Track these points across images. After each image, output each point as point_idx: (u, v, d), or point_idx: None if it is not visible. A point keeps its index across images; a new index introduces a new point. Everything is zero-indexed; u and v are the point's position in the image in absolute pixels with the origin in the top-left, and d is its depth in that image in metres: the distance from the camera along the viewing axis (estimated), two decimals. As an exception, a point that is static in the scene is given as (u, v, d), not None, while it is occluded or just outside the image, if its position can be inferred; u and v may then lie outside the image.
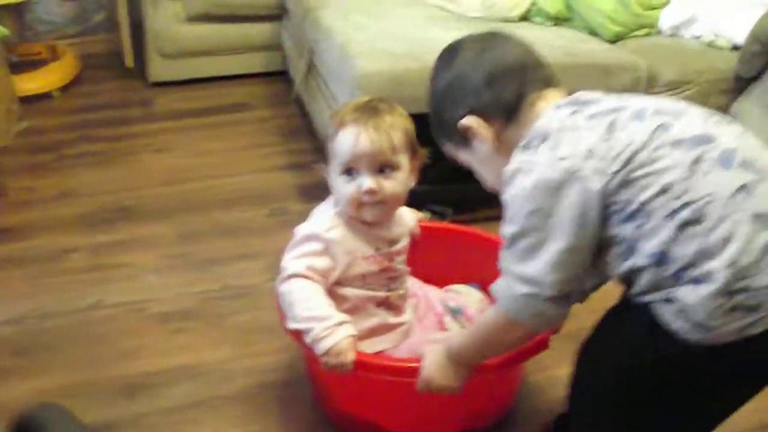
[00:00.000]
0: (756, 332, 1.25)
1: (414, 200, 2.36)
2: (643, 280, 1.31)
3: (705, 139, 1.30)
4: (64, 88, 4.11)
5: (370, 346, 1.84)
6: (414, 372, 1.66)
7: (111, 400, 2.07)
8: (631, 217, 1.29)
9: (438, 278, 2.15)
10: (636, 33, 3.27)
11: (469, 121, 1.48)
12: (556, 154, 1.33)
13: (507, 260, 1.38)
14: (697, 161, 1.27)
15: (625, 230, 1.31)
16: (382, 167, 1.75)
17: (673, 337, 1.29)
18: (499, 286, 1.41)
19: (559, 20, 3.27)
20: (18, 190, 3.18)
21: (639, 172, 1.28)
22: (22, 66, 4.22)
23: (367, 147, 1.72)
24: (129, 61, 4.35)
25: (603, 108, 1.38)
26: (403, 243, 1.92)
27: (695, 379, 1.34)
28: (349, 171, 1.75)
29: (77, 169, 3.31)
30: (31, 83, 4.08)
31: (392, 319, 1.91)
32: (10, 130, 3.68)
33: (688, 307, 1.25)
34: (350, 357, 1.65)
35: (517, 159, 1.38)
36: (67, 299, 2.48)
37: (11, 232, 2.87)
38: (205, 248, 2.75)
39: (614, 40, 3.20)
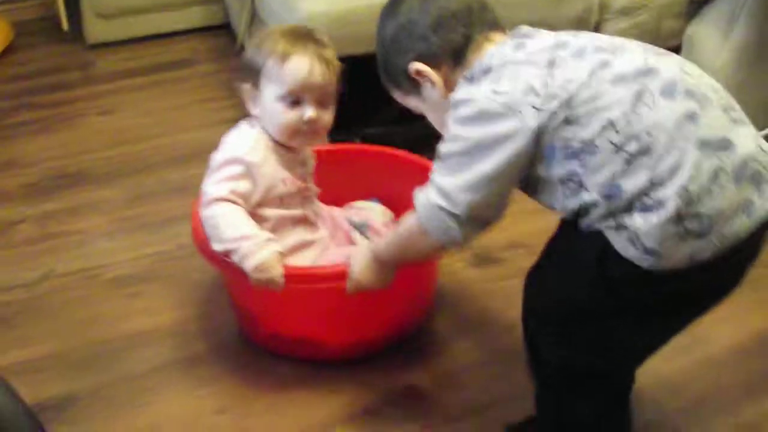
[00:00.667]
0: (705, 257, 1.29)
1: (368, 141, 2.37)
2: (594, 214, 1.34)
3: (646, 72, 1.33)
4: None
5: (293, 262, 1.87)
6: (343, 275, 1.73)
7: (71, 372, 2.00)
8: (575, 154, 1.33)
9: (340, 198, 2.19)
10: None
11: (417, 66, 1.51)
12: (496, 89, 1.37)
13: (434, 172, 1.43)
14: (639, 94, 1.30)
15: (571, 167, 1.34)
16: (323, 100, 1.84)
17: (623, 263, 1.32)
18: (419, 192, 1.47)
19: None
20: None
21: (581, 110, 1.31)
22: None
23: (318, 80, 1.81)
24: (64, 24, 4.23)
25: (544, 45, 1.41)
26: (312, 164, 2.03)
27: (644, 303, 1.39)
28: (294, 99, 1.81)
29: (18, 138, 3.19)
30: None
31: (310, 236, 1.98)
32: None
33: (640, 234, 1.28)
34: (278, 271, 1.73)
35: (462, 90, 1.43)
36: (17, 271, 2.39)
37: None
38: (156, 209, 2.66)
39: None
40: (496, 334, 2.05)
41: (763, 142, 1.35)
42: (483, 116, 1.36)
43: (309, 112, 1.82)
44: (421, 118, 1.66)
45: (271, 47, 1.82)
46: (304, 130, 1.85)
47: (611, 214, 1.31)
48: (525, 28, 1.48)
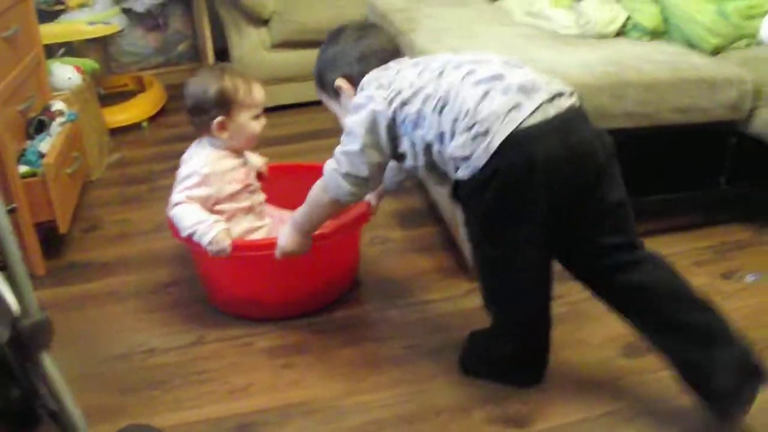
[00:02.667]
0: (495, 146, 1.79)
1: None
2: (445, 161, 1.91)
3: (497, 77, 1.86)
4: (153, 119, 4.14)
5: None
6: (272, 245, 2.29)
7: (224, 439, 2.03)
8: (417, 125, 1.93)
9: (293, 206, 2.41)
10: (736, 45, 3.16)
11: (341, 82, 2.13)
12: (367, 90, 2.00)
13: (338, 147, 2.02)
14: (487, 93, 1.83)
15: (416, 136, 1.94)
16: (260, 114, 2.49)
17: (465, 185, 1.90)
18: (328, 162, 2.05)
19: (656, 34, 3.18)
20: (113, 223, 3.19)
21: (418, 97, 1.91)
22: (110, 98, 4.26)
23: (264, 98, 2.48)
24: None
25: (428, 60, 2.02)
26: (251, 163, 2.60)
27: (494, 202, 1.86)
28: (258, 115, 2.45)
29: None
30: (120, 115, 4.12)
31: (258, 223, 2.58)
32: (102, 162, 3.71)
33: (455, 156, 1.86)
34: (227, 243, 2.31)
35: (356, 97, 2.04)
36: (171, 334, 2.46)
37: (110, 266, 2.87)
38: (307, 279, 2.69)
39: (714, 52, 3.09)
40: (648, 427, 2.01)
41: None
42: (357, 107, 1.99)
43: (263, 121, 2.49)
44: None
45: (234, 84, 2.40)
46: (258, 135, 2.48)
47: (445, 160, 1.91)
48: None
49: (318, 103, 4.13)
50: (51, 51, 3.88)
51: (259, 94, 2.45)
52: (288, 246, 2.26)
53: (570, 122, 1.85)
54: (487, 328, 2.16)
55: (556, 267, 2.02)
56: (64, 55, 3.99)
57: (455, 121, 1.84)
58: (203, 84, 2.41)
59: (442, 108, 1.87)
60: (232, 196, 2.48)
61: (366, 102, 1.97)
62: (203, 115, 2.41)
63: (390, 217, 3.08)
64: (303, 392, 2.17)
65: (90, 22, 4.10)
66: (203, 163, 2.42)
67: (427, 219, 3.03)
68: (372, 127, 1.95)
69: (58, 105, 3.19)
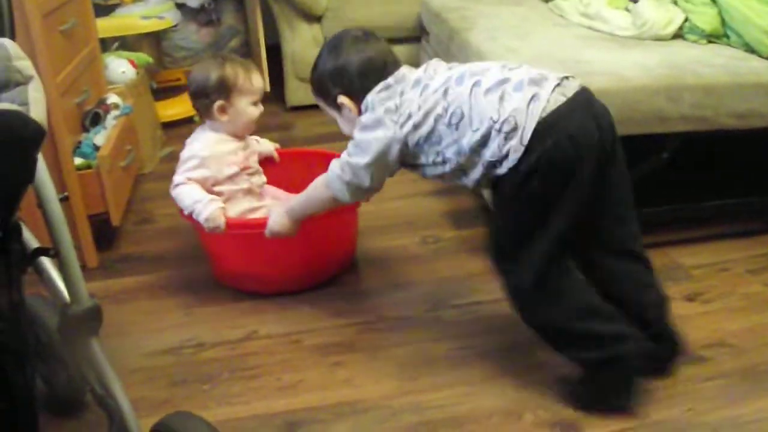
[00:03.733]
0: (528, 136, 1.85)
1: None
2: (472, 168, 1.98)
3: (504, 81, 1.92)
4: (204, 114, 4.14)
5: None
6: (263, 225, 2.41)
7: (273, 435, 2.04)
8: (433, 142, 2.00)
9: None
10: (795, 49, 3.12)
11: (343, 99, 2.14)
12: (375, 113, 2.04)
13: (345, 153, 2.11)
14: (502, 96, 1.89)
15: (432, 152, 2.02)
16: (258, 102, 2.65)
17: (504, 180, 1.93)
18: (333, 161, 2.15)
19: (713, 38, 3.13)
20: (166, 216, 3.20)
21: (429, 118, 1.98)
22: (163, 92, 4.29)
23: (261, 85, 2.65)
24: (266, 85, 4.36)
25: (428, 78, 2.06)
26: (252, 148, 2.74)
27: (542, 186, 1.89)
28: (256, 101, 2.60)
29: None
30: (172, 109, 4.14)
31: (256, 203, 2.70)
32: (155, 156, 3.73)
33: (492, 160, 1.91)
34: (221, 220, 2.46)
35: (363, 116, 2.08)
36: (222, 329, 2.47)
37: (162, 259, 2.89)
38: (357, 278, 2.71)
39: (773, 56, 3.05)
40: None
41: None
42: (366, 126, 2.05)
43: (261, 107, 2.64)
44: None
45: (234, 71, 2.55)
46: (256, 120, 2.65)
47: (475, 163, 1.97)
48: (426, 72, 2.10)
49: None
50: (105, 45, 3.90)
51: (257, 81, 2.61)
52: (277, 228, 2.38)
53: (587, 97, 1.94)
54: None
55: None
56: (118, 49, 4.02)
57: (476, 131, 1.91)
58: (206, 70, 2.58)
59: (458, 123, 1.94)
60: (231, 178, 2.62)
61: (375, 125, 2.04)
62: (205, 99, 2.58)
63: (442, 218, 3.07)
64: (354, 391, 2.17)
65: (144, 17, 4.12)
66: (202, 147, 2.58)
67: (479, 220, 3.01)
68: (383, 150, 2.04)
69: (113, 98, 3.21)
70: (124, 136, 3.09)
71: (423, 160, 2.05)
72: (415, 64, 4.07)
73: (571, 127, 1.86)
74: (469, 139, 1.92)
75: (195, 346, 2.39)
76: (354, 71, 2.10)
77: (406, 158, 2.07)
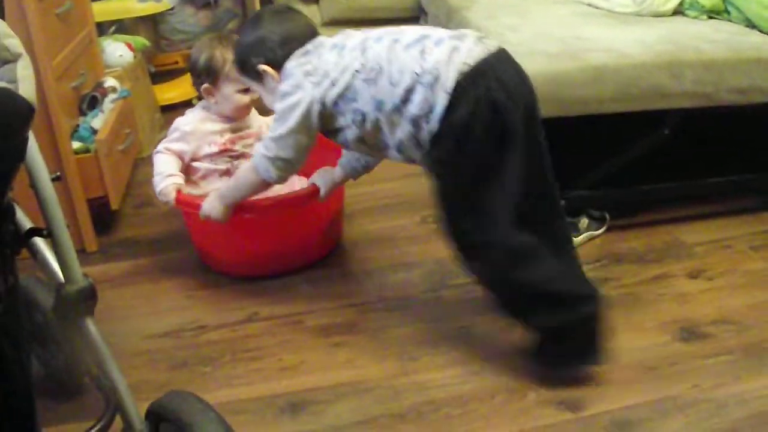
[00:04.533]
0: (452, 84, 1.88)
1: (572, 205, 2.61)
2: (395, 128, 2.01)
3: (424, 37, 1.97)
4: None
5: None
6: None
7: (275, 417, 2.02)
8: (350, 99, 2.02)
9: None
10: (796, 24, 3.10)
11: (264, 67, 2.15)
12: (294, 78, 2.06)
13: (269, 133, 2.14)
14: (423, 50, 1.93)
15: (350, 109, 2.03)
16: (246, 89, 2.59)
17: (443, 134, 1.94)
18: (257, 144, 2.24)
19: (714, 13, 3.11)
20: (165, 200, 3.18)
21: (346, 73, 1.99)
22: (160, 76, 4.27)
23: None
24: (264, 67, 4.35)
25: (345, 40, 2.08)
26: (246, 132, 2.71)
27: (485, 138, 1.91)
28: (245, 89, 2.55)
29: (222, 178, 3.27)
30: (170, 92, 4.12)
31: None
32: (154, 139, 3.70)
33: (420, 114, 1.94)
34: (172, 196, 2.52)
35: (282, 85, 2.10)
36: (222, 311, 2.46)
37: (162, 242, 2.87)
38: (358, 258, 2.70)
39: (773, 32, 3.03)
40: (706, 412, 1.98)
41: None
42: (285, 94, 2.06)
43: (252, 95, 2.57)
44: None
45: (223, 57, 2.55)
46: (248, 106, 2.65)
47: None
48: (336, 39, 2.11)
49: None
50: (102, 28, 3.88)
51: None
52: (208, 211, 2.42)
53: (509, 56, 2.00)
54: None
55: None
56: (115, 32, 4.00)
57: (396, 85, 1.94)
58: (199, 51, 2.62)
59: (376, 78, 1.96)
60: (209, 156, 2.66)
61: (293, 90, 2.05)
62: (195, 78, 2.64)
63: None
64: (356, 371, 2.16)
65: (140, 0, 4.11)
66: (187, 122, 2.66)
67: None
68: (304, 113, 2.05)
69: (110, 82, 3.19)
70: (122, 119, 3.07)
71: (342, 121, 2.07)
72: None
73: (501, 74, 1.91)
74: (389, 94, 1.95)
75: (196, 329, 2.38)
76: (275, 41, 2.12)
77: (327, 122, 2.09)
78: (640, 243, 2.65)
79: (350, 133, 2.08)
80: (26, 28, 2.43)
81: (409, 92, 1.92)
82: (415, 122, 1.95)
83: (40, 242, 1.52)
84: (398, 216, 2.94)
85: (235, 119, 2.68)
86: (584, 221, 2.63)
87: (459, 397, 2.04)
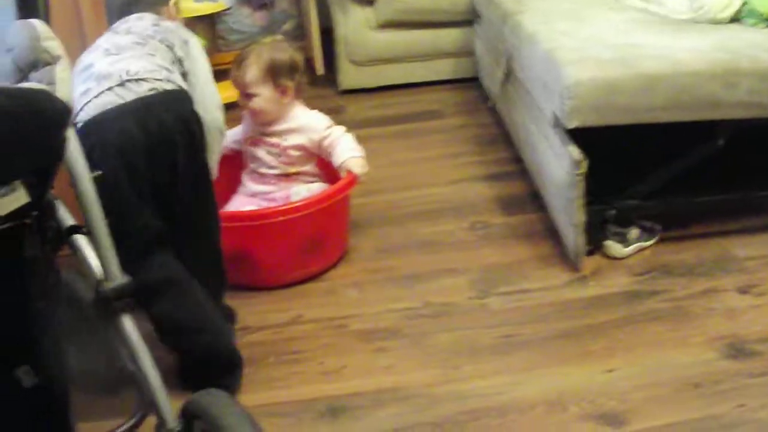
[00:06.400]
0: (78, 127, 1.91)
1: (622, 215, 2.55)
2: None
3: (89, 67, 2.02)
4: (257, 96, 4.14)
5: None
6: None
7: (313, 421, 2.03)
8: None
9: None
10: None
11: None
12: None
13: None
14: (80, 81, 1.99)
15: None
16: (248, 94, 2.66)
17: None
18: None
19: (773, 21, 3.06)
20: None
21: None
22: (217, 75, 4.25)
23: (250, 80, 2.66)
24: (319, 68, 4.37)
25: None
26: (278, 138, 2.71)
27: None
28: (246, 94, 2.67)
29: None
30: (226, 91, 4.11)
31: (254, 187, 2.76)
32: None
33: None
34: None
35: None
36: (266, 312, 2.46)
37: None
38: (404, 263, 2.68)
39: (834, 42, 2.97)
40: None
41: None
42: None
43: (250, 101, 2.66)
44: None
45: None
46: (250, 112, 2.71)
47: None
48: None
49: (424, 84, 4.18)
50: (160, 27, 3.92)
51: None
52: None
53: (148, 102, 1.96)
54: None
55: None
56: (172, 31, 4.03)
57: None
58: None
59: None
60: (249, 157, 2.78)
61: None
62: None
63: (491, 203, 3.03)
64: (396, 377, 2.15)
65: (198, 0, 4.14)
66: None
67: (529, 206, 2.96)
68: None
69: (164, 81, 3.21)
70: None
71: None
72: (468, 48, 4.06)
73: (111, 132, 1.91)
74: None
75: (240, 330, 2.38)
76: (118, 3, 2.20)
77: None
78: (690, 255, 2.60)
79: None
80: (81, 29, 2.46)
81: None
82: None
83: (81, 239, 1.53)
84: (446, 221, 2.91)
85: (257, 122, 2.75)
86: (634, 232, 2.59)
87: (499, 408, 2.02)
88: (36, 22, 1.37)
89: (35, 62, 1.32)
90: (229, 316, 2.35)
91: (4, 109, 1.11)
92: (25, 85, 1.25)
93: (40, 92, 1.20)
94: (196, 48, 2.26)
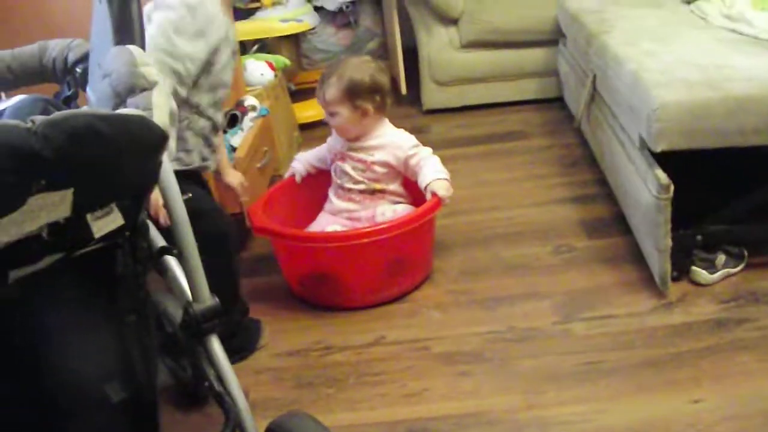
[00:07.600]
0: None
1: (709, 241, 2.50)
2: None
3: None
4: (341, 115, 4.18)
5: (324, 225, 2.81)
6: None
7: (397, 444, 2.03)
8: None
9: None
10: None
11: None
12: None
13: None
14: None
15: None
16: (330, 112, 2.73)
17: None
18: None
19: None
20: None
21: None
22: (301, 94, 4.34)
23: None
24: (403, 88, 4.38)
25: None
26: (364, 153, 2.75)
27: None
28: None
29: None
30: (310, 110, 4.19)
31: (339, 204, 2.80)
32: (292, 156, 3.76)
33: None
34: (287, 174, 2.97)
35: None
36: (349, 333, 2.48)
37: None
38: (488, 285, 2.67)
39: None
40: None
41: None
42: None
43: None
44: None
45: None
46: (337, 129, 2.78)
47: None
48: None
49: (508, 104, 4.17)
50: (245, 47, 3.98)
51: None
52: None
53: None
54: None
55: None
56: (257, 51, 4.09)
57: None
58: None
59: None
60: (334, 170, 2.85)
61: None
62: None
63: (576, 226, 3.01)
64: (479, 402, 2.14)
65: (283, 20, 4.18)
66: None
67: (614, 229, 2.93)
68: None
69: (250, 100, 3.26)
70: (260, 137, 3.14)
71: None
72: (553, 68, 4.04)
73: None
74: None
75: (322, 349, 2.41)
76: None
77: None
78: (780, 282, 2.55)
79: None
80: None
81: None
82: None
83: (171, 260, 1.56)
84: (530, 244, 2.90)
85: (347, 138, 2.78)
86: (721, 258, 2.54)
87: (582, 436, 2.00)
88: (133, 48, 1.40)
89: (132, 87, 1.35)
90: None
91: (103, 135, 1.13)
92: (122, 110, 1.28)
93: (138, 118, 1.22)
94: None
